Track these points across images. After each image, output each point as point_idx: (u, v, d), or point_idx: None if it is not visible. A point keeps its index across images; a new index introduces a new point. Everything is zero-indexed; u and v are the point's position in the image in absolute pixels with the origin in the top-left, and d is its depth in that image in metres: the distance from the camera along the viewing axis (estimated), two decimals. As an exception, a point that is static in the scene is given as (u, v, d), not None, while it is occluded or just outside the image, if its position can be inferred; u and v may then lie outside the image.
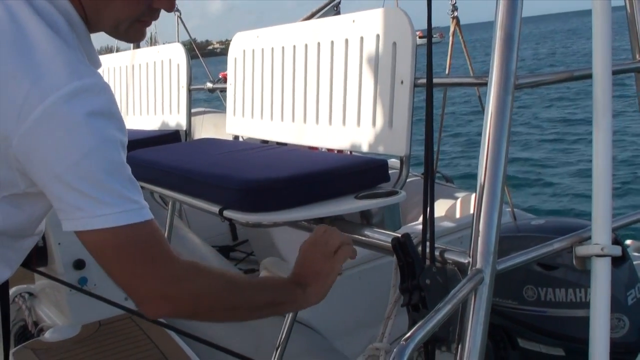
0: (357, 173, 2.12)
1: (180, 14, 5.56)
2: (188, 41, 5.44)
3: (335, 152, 3.05)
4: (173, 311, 1.29)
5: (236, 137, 3.14)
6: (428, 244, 1.56)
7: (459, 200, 3.55)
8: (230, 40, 3.12)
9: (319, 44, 2.53)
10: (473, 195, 3.46)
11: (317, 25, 2.66)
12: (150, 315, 1.29)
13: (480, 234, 1.48)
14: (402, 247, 1.55)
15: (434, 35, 1.58)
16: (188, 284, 1.29)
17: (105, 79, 1.73)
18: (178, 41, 3.57)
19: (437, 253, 1.59)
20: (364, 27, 2.32)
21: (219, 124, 4.13)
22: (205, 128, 4.57)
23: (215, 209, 2.05)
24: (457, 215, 3.48)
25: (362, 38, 2.32)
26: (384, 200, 1.97)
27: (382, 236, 1.84)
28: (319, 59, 2.54)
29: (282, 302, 1.53)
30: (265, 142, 3.02)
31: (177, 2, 1.47)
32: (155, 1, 1.38)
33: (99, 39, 1.61)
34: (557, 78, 1.89)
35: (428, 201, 1.55)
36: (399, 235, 1.59)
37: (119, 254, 1.23)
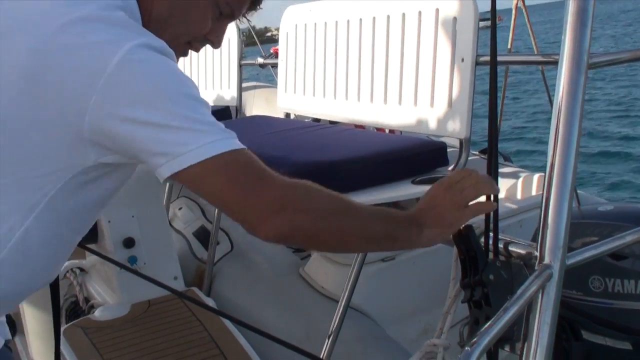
0: (414, 156, 2.02)
1: None
2: (247, 28, 5.33)
3: (387, 132, 2.94)
4: (291, 227, 1.22)
5: (287, 114, 3.06)
6: (492, 235, 1.45)
7: (519, 181, 3.41)
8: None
9: (374, 18, 2.42)
10: (535, 176, 3.32)
11: None
12: (270, 236, 1.22)
13: (549, 226, 1.38)
14: (463, 239, 1.45)
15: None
16: (304, 196, 1.26)
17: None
18: (238, 28, 3.47)
19: (500, 245, 1.48)
20: (423, 1, 2.20)
21: (271, 99, 4.06)
22: (257, 103, 4.50)
23: None
24: (518, 197, 3.35)
25: (420, 12, 2.21)
26: None
27: None
28: (374, 34, 2.43)
29: (397, 237, 1.39)
30: (317, 120, 2.93)
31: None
32: (210, 33, 1.44)
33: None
34: (635, 56, 1.75)
35: None
36: (460, 226, 1.49)
37: (231, 179, 1.20)
